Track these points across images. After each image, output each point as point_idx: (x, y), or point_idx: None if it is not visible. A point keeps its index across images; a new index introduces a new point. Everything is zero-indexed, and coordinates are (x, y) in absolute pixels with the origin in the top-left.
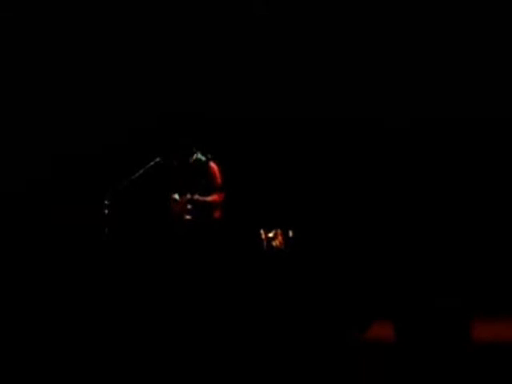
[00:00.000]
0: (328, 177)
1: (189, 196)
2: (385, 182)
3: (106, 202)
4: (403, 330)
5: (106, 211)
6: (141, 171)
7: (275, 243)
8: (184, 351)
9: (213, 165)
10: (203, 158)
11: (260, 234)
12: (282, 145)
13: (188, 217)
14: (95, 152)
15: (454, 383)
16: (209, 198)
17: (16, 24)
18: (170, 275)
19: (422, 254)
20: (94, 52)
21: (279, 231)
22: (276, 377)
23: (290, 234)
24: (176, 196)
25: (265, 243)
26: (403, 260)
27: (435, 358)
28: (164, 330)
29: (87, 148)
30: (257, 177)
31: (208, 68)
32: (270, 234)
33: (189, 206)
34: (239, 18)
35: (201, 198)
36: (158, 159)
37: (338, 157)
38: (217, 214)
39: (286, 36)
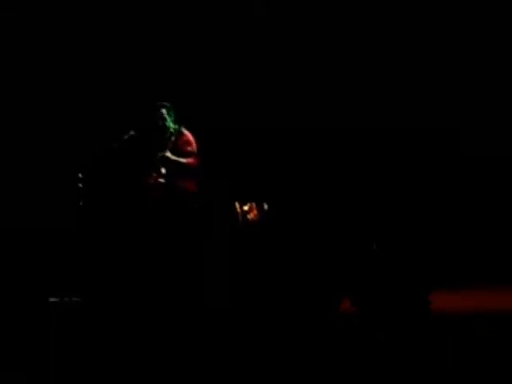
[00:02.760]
0: (302, 148)
1: (160, 154)
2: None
3: (80, 176)
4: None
5: (80, 185)
6: (115, 144)
7: (250, 216)
8: (160, 322)
9: (186, 131)
10: (176, 126)
11: (235, 207)
12: (256, 117)
13: (162, 180)
14: (69, 127)
15: (414, 353)
16: (182, 159)
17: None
18: (145, 248)
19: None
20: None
21: (254, 204)
22: (258, 351)
23: (265, 206)
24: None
25: (240, 216)
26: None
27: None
28: (140, 300)
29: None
30: (231, 150)
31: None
32: (245, 207)
33: (162, 170)
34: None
35: (173, 157)
36: (132, 132)
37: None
38: (191, 186)
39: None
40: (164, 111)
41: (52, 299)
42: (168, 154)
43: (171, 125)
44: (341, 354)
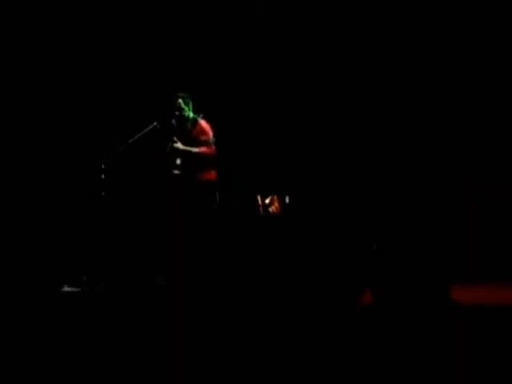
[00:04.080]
0: (324, 143)
1: (170, 145)
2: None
3: (103, 167)
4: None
5: (103, 176)
6: (138, 135)
7: (271, 209)
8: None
9: (202, 121)
10: (195, 115)
11: (256, 200)
12: (278, 112)
13: (176, 171)
14: (92, 118)
15: (433, 346)
16: (195, 149)
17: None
18: (168, 238)
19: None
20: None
21: (275, 197)
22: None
23: (287, 199)
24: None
25: (261, 209)
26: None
27: (414, 320)
28: (160, 290)
29: (84, 114)
30: (254, 143)
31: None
32: (267, 200)
33: (177, 161)
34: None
35: (182, 147)
36: (154, 123)
37: (333, 123)
38: (211, 176)
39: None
40: (181, 101)
41: (67, 289)
42: (178, 144)
43: (190, 114)
44: (357, 348)
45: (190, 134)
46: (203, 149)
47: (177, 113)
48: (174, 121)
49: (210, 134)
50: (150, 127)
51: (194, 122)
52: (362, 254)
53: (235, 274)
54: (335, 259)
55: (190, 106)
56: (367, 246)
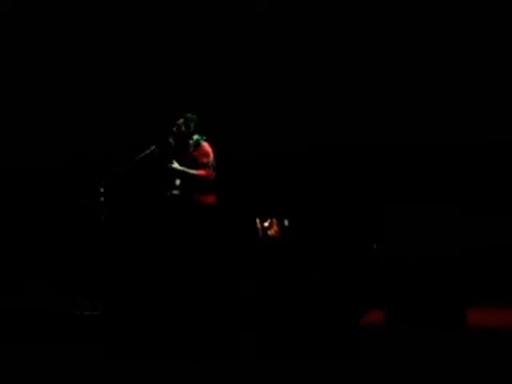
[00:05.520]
0: (322, 166)
1: (169, 165)
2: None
3: (101, 190)
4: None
5: (102, 198)
6: (136, 158)
7: (271, 232)
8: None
9: (205, 143)
10: (199, 138)
11: (255, 224)
12: (278, 135)
13: (175, 192)
14: (90, 141)
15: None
16: (193, 171)
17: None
18: (167, 260)
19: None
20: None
21: (275, 220)
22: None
23: (286, 223)
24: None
25: (260, 232)
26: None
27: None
28: (160, 314)
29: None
30: (252, 166)
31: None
32: (266, 224)
33: (177, 182)
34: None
35: (179, 168)
36: (153, 147)
37: (332, 146)
38: (210, 199)
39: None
40: (182, 120)
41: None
42: (175, 165)
43: (194, 136)
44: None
45: (192, 156)
46: (202, 171)
47: (174, 129)
48: (171, 139)
49: (211, 157)
50: (149, 150)
51: (197, 143)
52: (363, 276)
53: (234, 296)
54: (336, 281)
55: (193, 126)
56: (371, 269)
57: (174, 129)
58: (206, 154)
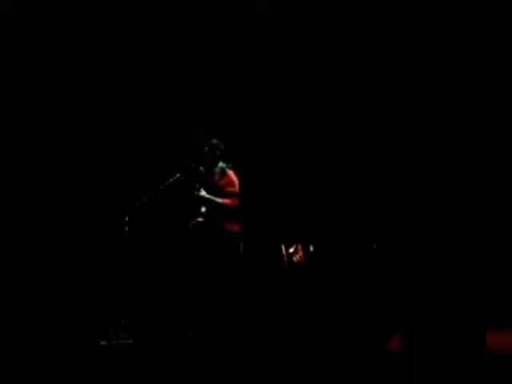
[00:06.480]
0: (348, 191)
1: (196, 193)
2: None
3: (126, 219)
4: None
5: (127, 228)
6: (161, 187)
7: (296, 258)
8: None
9: (231, 172)
10: (224, 165)
11: (281, 249)
12: (301, 161)
13: (201, 219)
14: (115, 167)
15: None
16: (218, 200)
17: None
18: (193, 288)
19: (440, 267)
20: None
21: (300, 246)
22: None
23: (311, 248)
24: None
25: (285, 258)
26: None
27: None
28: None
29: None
30: (277, 192)
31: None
32: (291, 249)
33: (202, 209)
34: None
35: (207, 196)
36: (178, 175)
37: (356, 170)
38: (235, 227)
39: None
40: (209, 149)
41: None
42: (203, 193)
43: (219, 163)
44: None
45: (218, 184)
46: (227, 200)
47: (199, 156)
48: (201, 168)
49: (237, 186)
50: (174, 178)
51: (223, 172)
52: (387, 299)
53: (261, 323)
54: (360, 307)
55: (218, 153)
56: (394, 291)
57: (200, 156)
58: (232, 184)
